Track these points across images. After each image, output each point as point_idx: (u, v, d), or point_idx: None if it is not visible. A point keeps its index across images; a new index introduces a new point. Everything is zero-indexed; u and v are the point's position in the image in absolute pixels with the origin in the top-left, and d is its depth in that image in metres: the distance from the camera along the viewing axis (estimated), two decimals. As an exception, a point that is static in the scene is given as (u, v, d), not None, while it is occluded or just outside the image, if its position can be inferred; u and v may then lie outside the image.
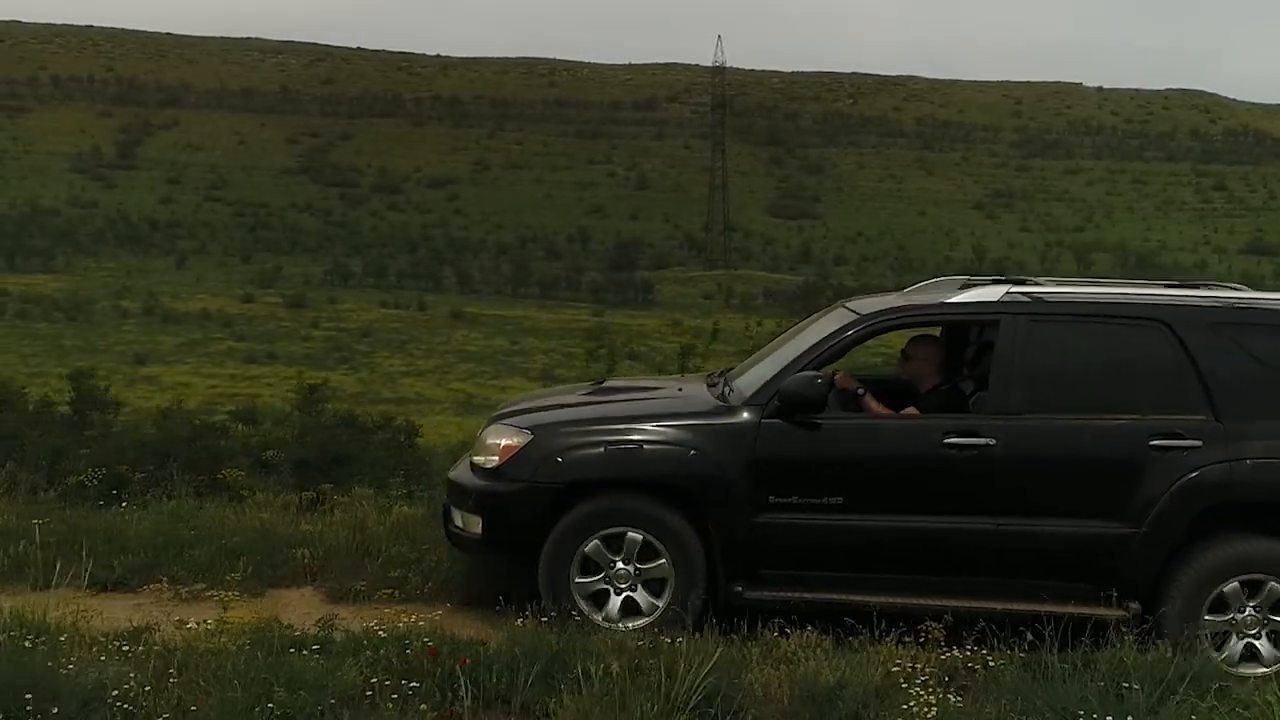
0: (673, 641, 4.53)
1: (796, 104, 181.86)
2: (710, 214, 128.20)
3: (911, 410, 5.90)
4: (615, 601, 5.51)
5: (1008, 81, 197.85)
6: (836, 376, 5.90)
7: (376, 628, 4.63)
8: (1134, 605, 5.38)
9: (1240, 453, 5.40)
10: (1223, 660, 5.24)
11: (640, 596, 5.51)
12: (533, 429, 5.79)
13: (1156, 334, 5.58)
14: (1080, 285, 6.17)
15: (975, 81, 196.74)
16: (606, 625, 5.35)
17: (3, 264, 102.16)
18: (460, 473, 6.05)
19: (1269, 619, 5.37)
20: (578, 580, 5.50)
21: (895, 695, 4.18)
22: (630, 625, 5.35)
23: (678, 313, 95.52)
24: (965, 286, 6.09)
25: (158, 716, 3.73)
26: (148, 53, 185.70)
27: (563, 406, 6.33)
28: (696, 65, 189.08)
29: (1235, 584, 5.34)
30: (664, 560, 5.48)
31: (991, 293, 5.82)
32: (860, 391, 5.91)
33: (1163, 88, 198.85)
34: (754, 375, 5.99)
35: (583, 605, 5.47)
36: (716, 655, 4.17)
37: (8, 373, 51.45)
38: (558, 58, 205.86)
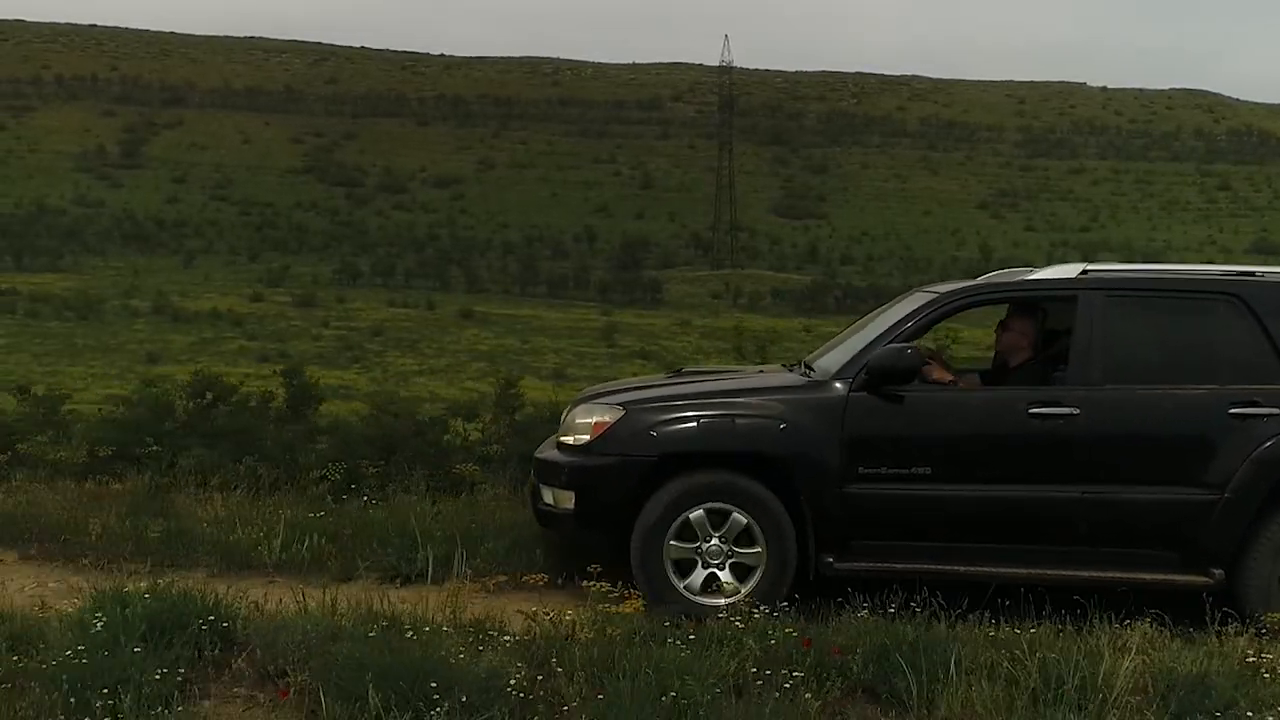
0: (1019, 633, 4.51)
1: (800, 103, 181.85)
2: (717, 213, 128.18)
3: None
4: (699, 575, 5.61)
5: (1011, 81, 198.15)
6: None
7: (731, 620, 4.61)
8: (1218, 572, 5.46)
9: None
10: None
11: (725, 576, 5.60)
12: (625, 405, 5.93)
13: (1230, 307, 5.77)
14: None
15: (978, 81, 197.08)
16: (686, 595, 5.50)
17: (10, 263, 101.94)
18: (549, 452, 6.17)
19: None
20: (672, 543, 5.60)
21: (1260, 686, 4.14)
22: (707, 602, 5.44)
23: (686, 312, 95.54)
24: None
25: (565, 704, 3.69)
26: (151, 52, 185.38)
27: (649, 387, 6.48)
28: (700, 65, 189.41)
29: None
30: (759, 549, 5.57)
31: (1069, 269, 6.08)
32: (951, 379, 6.07)
33: (1166, 87, 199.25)
34: (837, 355, 6.16)
35: (669, 569, 5.58)
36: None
37: (22, 371, 51.07)
38: (561, 57, 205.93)
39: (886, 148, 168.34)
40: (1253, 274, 6.00)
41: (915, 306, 6.07)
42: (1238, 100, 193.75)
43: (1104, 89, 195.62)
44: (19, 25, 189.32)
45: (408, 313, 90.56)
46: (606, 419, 5.85)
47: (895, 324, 5.96)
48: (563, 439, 6.08)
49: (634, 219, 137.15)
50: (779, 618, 4.71)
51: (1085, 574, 5.49)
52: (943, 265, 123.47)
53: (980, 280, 6.39)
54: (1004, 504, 5.61)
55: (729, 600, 5.42)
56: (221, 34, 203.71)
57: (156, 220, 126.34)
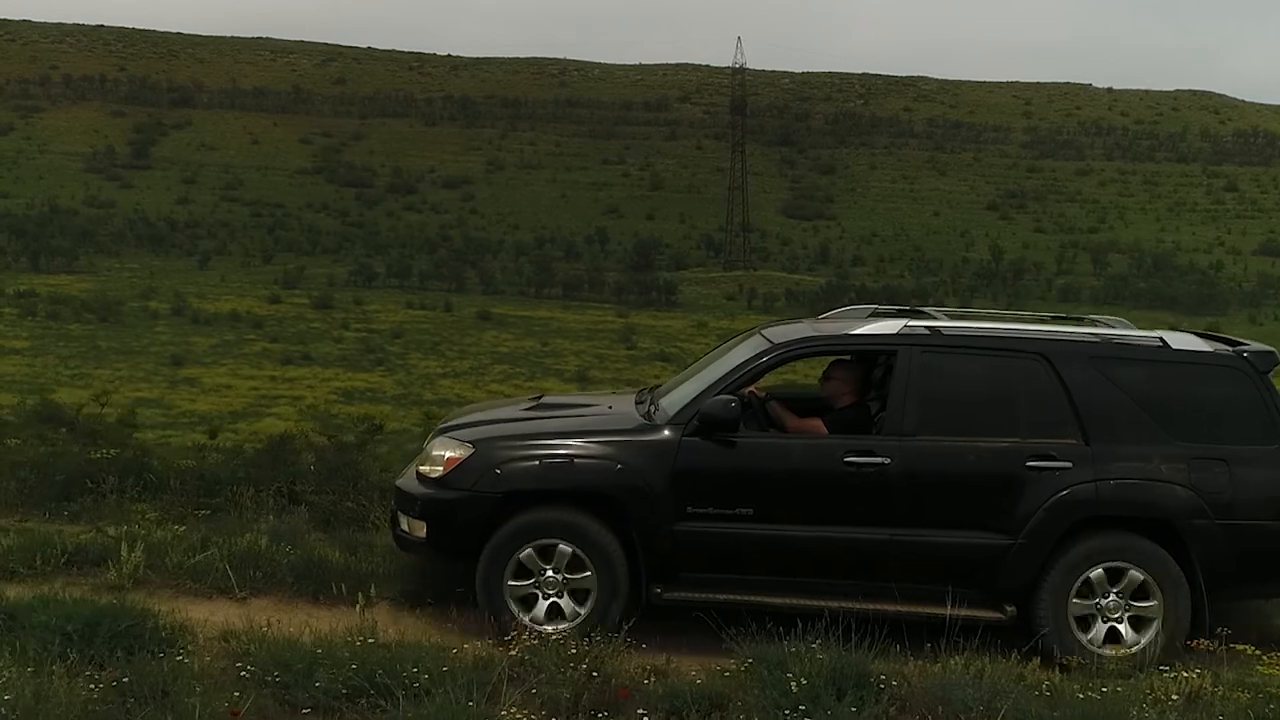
0: None
1: (807, 104, 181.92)
2: (729, 214, 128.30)
3: (816, 421, 6.51)
4: (542, 605, 6.06)
5: (1017, 82, 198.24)
6: (749, 390, 6.53)
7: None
8: (1010, 609, 6.00)
9: (1106, 473, 6.05)
10: (1088, 641, 5.92)
11: (565, 603, 6.06)
12: (474, 442, 6.32)
13: (1036, 366, 6.23)
14: (974, 320, 6.83)
15: (985, 82, 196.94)
16: (534, 626, 5.86)
17: (27, 264, 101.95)
18: (407, 481, 6.53)
19: (1130, 605, 5.99)
20: (510, 583, 6.05)
21: None
22: (553, 629, 5.84)
23: (701, 314, 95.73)
24: (873, 315, 6.85)
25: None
26: (159, 52, 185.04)
27: (502, 421, 6.91)
28: (706, 66, 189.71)
29: (1100, 570, 5.97)
30: (590, 573, 6.03)
31: (890, 325, 6.46)
32: (764, 396, 6.62)
33: (1171, 88, 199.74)
34: (678, 395, 6.59)
35: (514, 607, 6.03)
36: None
37: (49, 374, 50.57)
38: (567, 58, 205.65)
39: (894, 148, 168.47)
40: (1061, 334, 6.43)
41: (749, 355, 6.49)
42: (1244, 101, 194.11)
43: (1109, 90, 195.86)
44: (26, 25, 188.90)
45: (426, 314, 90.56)
46: (458, 455, 6.24)
47: (729, 372, 6.39)
48: (420, 468, 6.43)
49: (645, 220, 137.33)
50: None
51: (892, 608, 5.91)
52: (954, 266, 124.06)
53: (811, 332, 6.79)
54: (820, 543, 6.07)
55: (570, 625, 5.90)
56: (229, 34, 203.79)
57: (169, 221, 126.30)
